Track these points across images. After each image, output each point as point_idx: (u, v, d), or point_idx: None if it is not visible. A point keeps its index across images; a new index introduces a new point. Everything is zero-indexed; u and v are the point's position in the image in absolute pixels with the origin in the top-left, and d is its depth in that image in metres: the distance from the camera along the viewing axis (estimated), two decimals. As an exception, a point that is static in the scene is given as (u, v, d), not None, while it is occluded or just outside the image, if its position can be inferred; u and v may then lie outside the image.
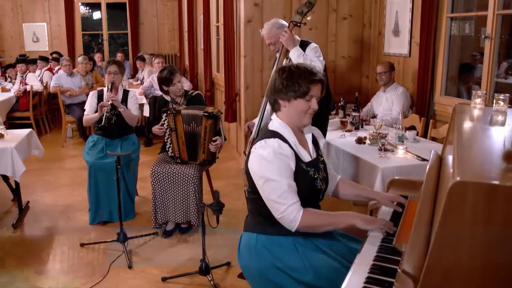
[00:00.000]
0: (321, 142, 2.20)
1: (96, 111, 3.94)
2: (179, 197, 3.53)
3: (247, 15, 4.77)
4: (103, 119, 3.84)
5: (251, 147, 2.14)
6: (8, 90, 7.49)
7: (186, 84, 6.32)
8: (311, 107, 1.97)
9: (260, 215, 2.01)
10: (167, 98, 3.83)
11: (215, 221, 2.61)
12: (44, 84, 7.55)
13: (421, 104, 4.14)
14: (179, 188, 3.52)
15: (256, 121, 3.31)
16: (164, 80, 3.72)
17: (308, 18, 3.20)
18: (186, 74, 8.72)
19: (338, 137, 3.59)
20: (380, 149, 3.11)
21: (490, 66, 3.57)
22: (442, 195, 1.32)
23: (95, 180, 3.83)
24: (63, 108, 6.67)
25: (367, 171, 2.99)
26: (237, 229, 2.58)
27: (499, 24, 3.52)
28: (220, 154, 3.80)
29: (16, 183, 3.98)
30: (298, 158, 1.97)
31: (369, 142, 3.37)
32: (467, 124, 1.77)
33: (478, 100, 2.00)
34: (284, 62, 3.21)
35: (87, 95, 4.43)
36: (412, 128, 3.90)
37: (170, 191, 3.54)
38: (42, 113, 7.59)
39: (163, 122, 3.61)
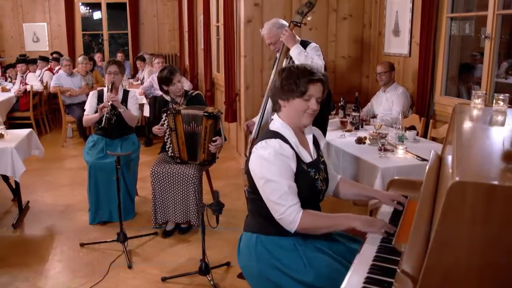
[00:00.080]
0: (322, 143, 2.20)
1: (96, 111, 3.94)
2: (179, 197, 3.53)
3: (247, 15, 4.77)
4: (103, 120, 3.83)
5: (251, 147, 2.15)
6: (8, 90, 7.50)
7: (186, 84, 6.33)
8: (310, 107, 1.96)
9: (260, 215, 2.01)
10: (167, 98, 3.83)
11: (215, 221, 2.61)
12: (44, 84, 7.55)
13: (421, 104, 4.14)
14: (179, 188, 3.52)
15: (256, 120, 3.31)
16: (164, 80, 3.72)
17: (309, 18, 3.21)
18: (186, 74, 8.72)
19: (338, 137, 3.59)
20: (380, 149, 3.11)
21: (490, 66, 3.57)
22: (441, 195, 1.32)
23: (95, 180, 3.83)
24: (63, 108, 6.67)
25: (367, 171, 2.99)
26: (237, 229, 2.59)
27: (499, 24, 3.52)
28: (220, 154, 3.80)
29: (16, 183, 3.98)
30: (299, 159, 1.97)
31: (369, 142, 3.37)
32: (467, 124, 1.77)
33: (477, 100, 1.99)
34: (285, 62, 3.21)
35: (87, 95, 4.43)
36: (412, 128, 3.90)
37: (170, 191, 3.54)
38: (42, 113, 7.60)
39: (163, 122, 3.61)
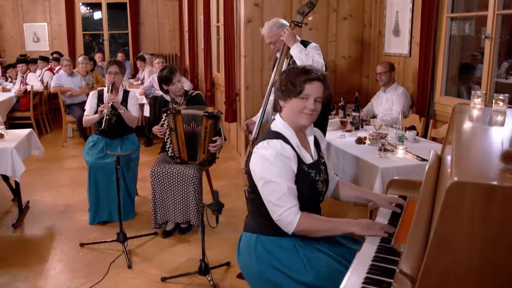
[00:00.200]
0: (323, 144, 2.21)
1: (96, 112, 3.94)
2: (179, 197, 3.53)
3: (247, 15, 4.77)
4: (104, 123, 3.83)
5: (252, 147, 2.14)
6: (9, 90, 7.50)
7: (187, 84, 6.33)
8: (307, 107, 1.96)
9: (260, 216, 2.01)
10: (167, 98, 3.83)
11: (214, 221, 2.61)
12: (45, 84, 7.56)
13: (421, 104, 4.14)
14: (179, 188, 3.52)
15: (256, 120, 3.30)
16: (164, 79, 3.72)
17: (309, 18, 3.21)
18: (187, 74, 8.72)
19: (338, 137, 3.59)
20: (380, 149, 3.10)
21: (490, 66, 3.56)
22: (440, 195, 1.32)
23: (95, 180, 3.83)
24: (64, 108, 6.68)
25: (367, 171, 2.99)
26: (237, 229, 2.59)
27: (499, 24, 3.52)
28: (220, 154, 3.80)
29: (16, 183, 3.99)
30: (300, 160, 1.96)
31: (369, 142, 3.37)
32: (466, 124, 1.76)
33: (477, 100, 1.99)
34: (285, 62, 3.21)
35: (88, 95, 4.44)
36: (412, 128, 3.90)
37: (170, 191, 3.54)
38: (43, 113, 7.60)
39: (163, 122, 3.61)
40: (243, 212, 2.60)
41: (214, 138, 3.56)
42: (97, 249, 3.44)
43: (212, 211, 2.52)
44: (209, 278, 2.87)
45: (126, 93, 4.11)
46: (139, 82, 7.87)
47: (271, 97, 2.99)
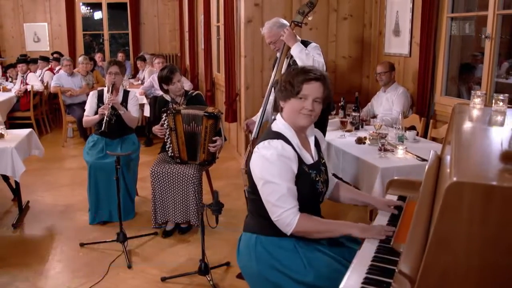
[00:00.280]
0: (323, 145, 2.21)
1: (96, 112, 3.94)
2: (179, 197, 3.53)
3: (248, 15, 4.77)
4: (104, 124, 3.83)
5: (252, 147, 2.14)
6: (9, 90, 7.50)
7: (187, 84, 6.33)
8: (305, 107, 1.95)
9: (259, 216, 2.01)
10: (167, 98, 3.83)
11: (214, 221, 2.61)
12: (45, 84, 7.56)
13: (421, 104, 4.13)
14: (179, 188, 3.52)
15: (256, 120, 3.30)
16: (164, 79, 3.72)
17: (310, 18, 3.21)
18: (187, 74, 8.72)
19: (338, 137, 3.59)
20: (380, 149, 3.10)
21: (491, 66, 3.56)
22: (440, 195, 1.32)
23: (95, 180, 3.83)
24: (64, 108, 6.68)
25: (367, 171, 2.99)
26: (237, 229, 2.59)
27: (499, 24, 3.52)
28: (220, 154, 3.80)
29: (16, 183, 3.99)
30: (300, 161, 1.96)
31: (369, 142, 3.37)
32: (466, 124, 1.76)
33: (477, 100, 1.99)
34: (285, 62, 3.21)
35: (88, 95, 4.44)
36: (412, 128, 3.89)
37: (170, 191, 3.54)
38: (43, 113, 7.61)
39: (163, 122, 3.61)
40: (243, 212, 2.60)
41: (214, 138, 3.56)
42: (97, 249, 3.44)
43: (212, 211, 2.52)
44: (209, 278, 2.87)
45: (126, 93, 4.10)
46: (139, 82, 7.87)
47: (271, 97, 3.00)
